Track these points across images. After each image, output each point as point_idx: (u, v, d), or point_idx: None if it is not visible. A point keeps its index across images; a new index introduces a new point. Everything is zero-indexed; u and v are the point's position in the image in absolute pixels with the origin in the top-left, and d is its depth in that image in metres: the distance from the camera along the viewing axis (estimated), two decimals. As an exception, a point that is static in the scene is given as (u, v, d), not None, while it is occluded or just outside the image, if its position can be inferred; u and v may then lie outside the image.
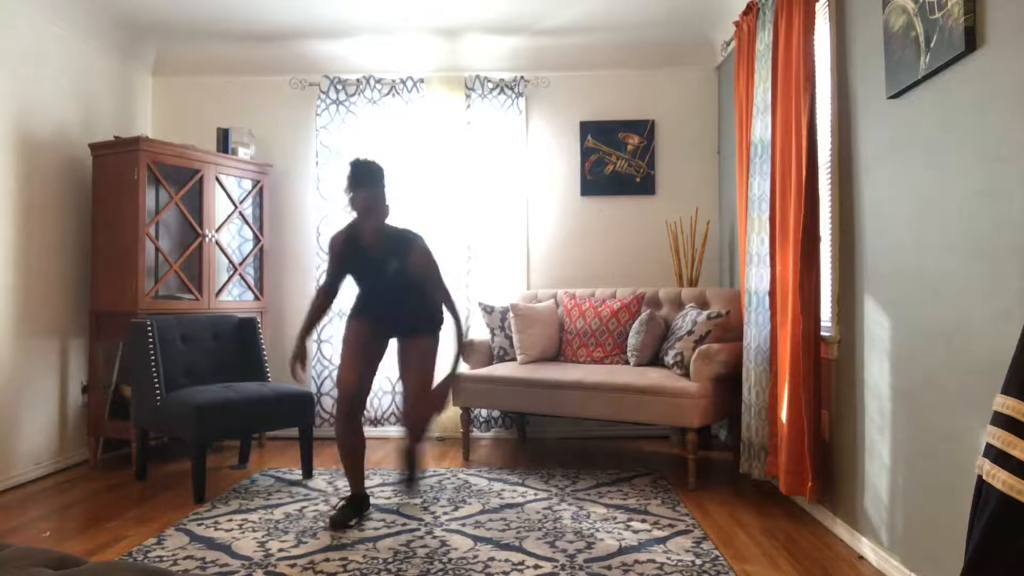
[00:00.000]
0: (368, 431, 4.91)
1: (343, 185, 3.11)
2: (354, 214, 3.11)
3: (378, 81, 4.97)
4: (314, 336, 4.90)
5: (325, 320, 4.89)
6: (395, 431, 4.92)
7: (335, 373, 4.89)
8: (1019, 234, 1.83)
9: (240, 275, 4.71)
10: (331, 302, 3.35)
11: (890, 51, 2.44)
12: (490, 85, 4.97)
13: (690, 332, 3.81)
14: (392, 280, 3.17)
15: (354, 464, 3.20)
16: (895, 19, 2.39)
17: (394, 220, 3.24)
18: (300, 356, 3.21)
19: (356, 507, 3.15)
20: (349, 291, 3.44)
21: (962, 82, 2.08)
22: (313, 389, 4.87)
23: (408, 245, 3.16)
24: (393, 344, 3.36)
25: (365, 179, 3.06)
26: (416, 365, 3.25)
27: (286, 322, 5.06)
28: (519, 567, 2.58)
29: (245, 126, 4.95)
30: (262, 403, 3.69)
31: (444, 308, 3.24)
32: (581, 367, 4.11)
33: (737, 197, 3.92)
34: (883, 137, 2.57)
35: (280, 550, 2.77)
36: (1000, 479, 1.22)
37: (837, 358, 2.96)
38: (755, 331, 3.44)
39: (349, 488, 3.23)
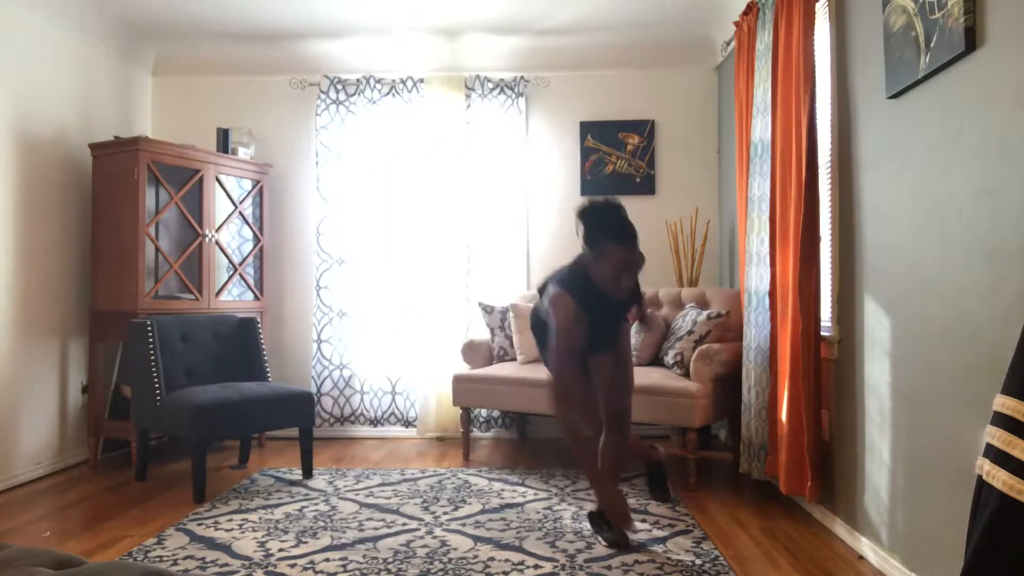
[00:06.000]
0: (368, 431, 4.94)
1: (587, 226, 2.71)
2: (597, 263, 2.73)
3: (378, 81, 4.97)
4: (314, 335, 4.90)
5: (325, 320, 4.89)
6: (397, 431, 4.92)
7: (335, 373, 4.89)
8: (1019, 234, 1.83)
9: (240, 275, 4.71)
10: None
11: (890, 51, 2.44)
12: (490, 85, 4.97)
13: (690, 332, 3.81)
14: (617, 311, 2.93)
15: (589, 453, 2.87)
16: (895, 19, 2.39)
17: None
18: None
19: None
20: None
21: (962, 82, 2.08)
22: (313, 389, 4.86)
23: (637, 286, 2.95)
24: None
25: (630, 235, 2.72)
26: (620, 361, 2.97)
27: (286, 322, 5.06)
28: (519, 567, 2.58)
29: (245, 126, 4.95)
30: (262, 403, 3.69)
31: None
32: (581, 367, 4.10)
33: (737, 197, 3.92)
34: (883, 137, 2.57)
35: (280, 550, 2.77)
36: (1000, 479, 1.22)
37: (837, 358, 2.96)
38: (755, 331, 3.44)
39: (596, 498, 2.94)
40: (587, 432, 2.94)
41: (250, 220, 4.79)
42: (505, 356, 4.53)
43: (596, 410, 2.98)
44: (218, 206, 4.56)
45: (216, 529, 3.02)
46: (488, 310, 4.59)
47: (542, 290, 2.95)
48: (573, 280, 2.80)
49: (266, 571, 2.56)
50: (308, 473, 3.86)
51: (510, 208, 4.98)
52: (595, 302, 2.77)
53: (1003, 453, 1.24)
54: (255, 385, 3.86)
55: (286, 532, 2.98)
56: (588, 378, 2.97)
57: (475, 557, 2.69)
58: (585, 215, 2.77)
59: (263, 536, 2.93)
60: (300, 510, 3.29)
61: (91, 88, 4.44)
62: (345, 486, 3.68)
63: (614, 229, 2.71)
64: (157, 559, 2.68)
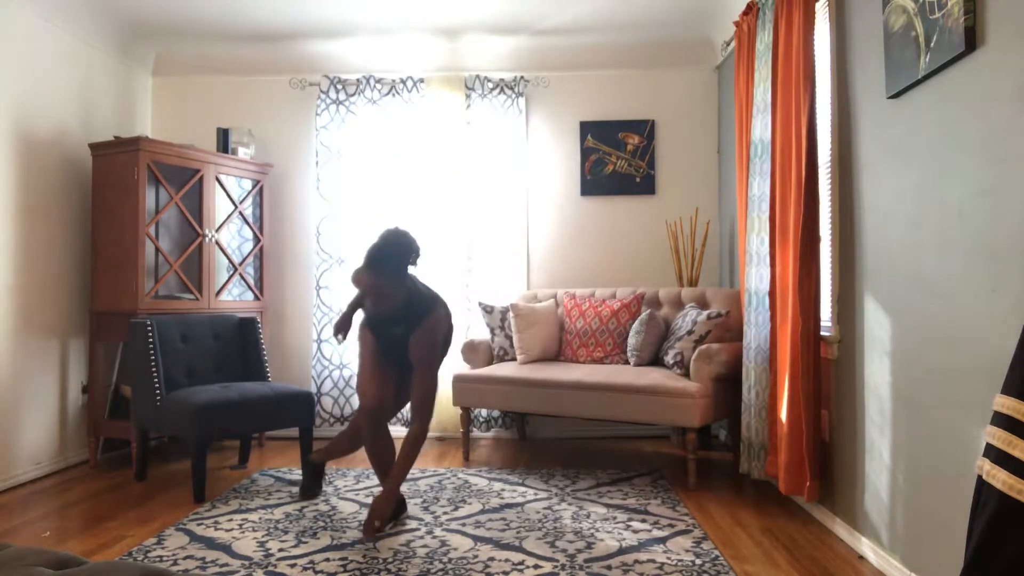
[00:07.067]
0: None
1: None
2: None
3: (378, 81, 4.97)
4: (314, 335, 4.90)
5: (325, 320, 4.89)
6: (398, 431, 4.91)
7: (335, 373, 4.89)
8: (1019, 234, 1.83)
9: (240, 275, 4.71)
10: None
11: (890, 51, 2.44)
12: (490, 85, 4.97)
13: (690, 332, 3.81)
14: (396, 337, 3.16)
15: (383, 470, 3.16)
16: (895, 19, 2.39)
17: (422, 277, 3.32)
18: (342, 327, 3.38)
19: (394, 511, 3.09)
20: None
21: (962, 82, 2.08)
22: (313, 389, 4.87)
23: (417, 320, 3.08)
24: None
25: (374, 265, 2.91)
26: (418, 370, 3.11)
27: (286, 322, 5.06)
28: (519, 567, 2.58)
29: (245, 126, 4.95)
30: (262, 403, 3.69)
31: (417, 391, 3.07)
32: (581, 367, 4.11)
33: (737, 197, 3.92)
34: (883, 137, 2.57)
35: (280, 550, 2.77)
36: (1000, 479, 1.22)
37: (837, 358, 2.96)
38: (755, 331, 3.44)
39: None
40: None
41: (250, 220, 4.79)
42: (505, 356, 4.53)
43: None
44: (218, 206, 4.56)
45: (216, 529, 3.02)
46: (488, 310, 4.59)
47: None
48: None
49: (266, 571, 2.56)
50: (308, 473, 3.86)
51: (510, 208, 4.98)
52: (376, 323, 3.20)
53: (1003, 453, 1.24)
54: (255, 385, 3.86)
55: (286, 532, 2.98)
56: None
57: (475, 557, 2.69)
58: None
59: (263, 536, 2.93)
60: (300, 510, 3.29)
61: (91, 88, 4.44)
62: (345, 486, 3.68)
63: (365, 257, 2.98)
64: (157, 559, 2.68)
